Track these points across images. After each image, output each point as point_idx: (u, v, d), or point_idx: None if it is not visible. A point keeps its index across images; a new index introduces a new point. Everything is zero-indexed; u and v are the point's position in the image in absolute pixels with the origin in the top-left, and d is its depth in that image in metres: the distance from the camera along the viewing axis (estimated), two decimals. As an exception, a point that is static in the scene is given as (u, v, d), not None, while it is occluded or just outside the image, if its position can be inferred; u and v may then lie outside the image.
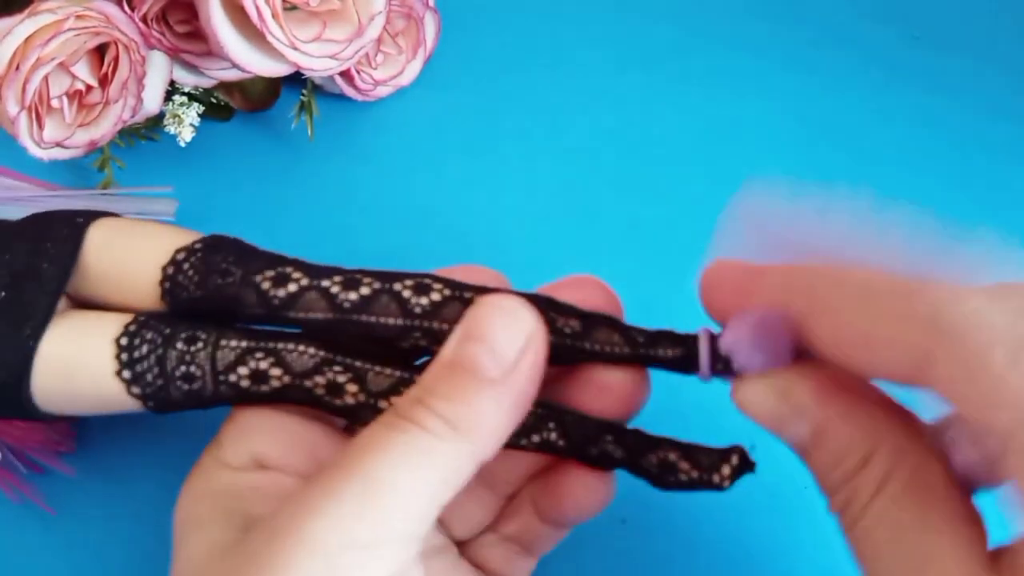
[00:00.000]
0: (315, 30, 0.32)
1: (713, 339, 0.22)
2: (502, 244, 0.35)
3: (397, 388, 0.22)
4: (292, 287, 0.23)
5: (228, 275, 0.23)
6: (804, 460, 0.21)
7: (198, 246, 0.24)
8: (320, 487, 0.19)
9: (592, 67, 0.40)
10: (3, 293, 0.23)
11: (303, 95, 0.37)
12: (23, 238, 0.24)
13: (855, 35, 0.42)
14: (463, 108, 0.39)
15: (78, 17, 0.29)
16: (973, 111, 0.40)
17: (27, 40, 0.29)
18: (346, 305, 0.23)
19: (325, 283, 0.23)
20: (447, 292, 0.22)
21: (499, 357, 0.20)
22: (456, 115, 0.38)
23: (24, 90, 0.28)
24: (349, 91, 0.37)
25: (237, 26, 0.31)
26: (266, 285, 0.23)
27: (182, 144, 0.35)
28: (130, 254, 0.24)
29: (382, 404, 0.22)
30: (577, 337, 0.22)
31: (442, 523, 0.24)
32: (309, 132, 0.37)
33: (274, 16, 0.30)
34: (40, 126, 0.30)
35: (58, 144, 0.31)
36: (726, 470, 0.22)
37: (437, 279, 0.23)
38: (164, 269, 0.23)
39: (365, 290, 0.23)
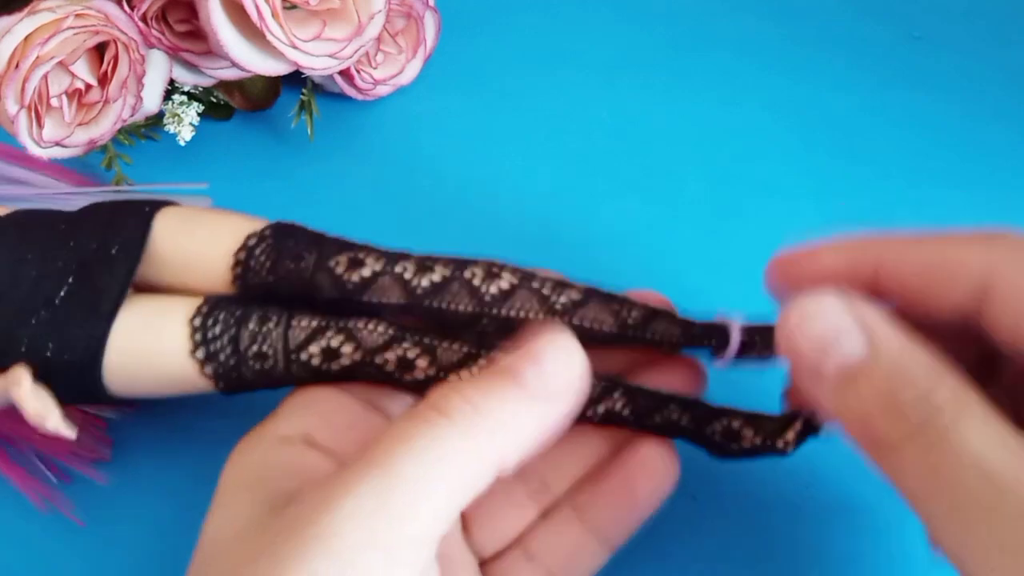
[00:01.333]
0: (315, 29, 0.32)
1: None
2: (502, 243, 0.35)
3: (467, 362, 0.22)
4: (366, 272, 0.23)
5: (301, 260, 0.24)
6: (838, 394, 0.19)
7: (267, 232, 0.24)
8: (342, 480, 0.18)
9: (592, 67, 0.40)
10: (71, 279, 0.23)
11: (303, 94, 0.36)
12: (89, 226, 0.24)
13: (855, 35, 0.42)
14: (463, 108, 0.39)
15: (77, 16, 0.29)
16: (973, 111, 0.40)
17: (27, 39, 0.29)
18: (419, 291, 0.23)
19: (398, 268, 0.23)
20: (515, 280, 0.23)
21: (545, 379, 0.20)
22: (456, 115, 0.38)
23: (23, 89, 0.28)
24: (349, 90, 0.37)
25: (237, 25, 0.31)
26: (340, 270, 0.23)
27: (182, 143, 0.35)
28: (200, 240, 0.24)
29: (452, 379, 0.22)
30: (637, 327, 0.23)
31: (469, 536, 0.24)
32: (309, 132, 0.37)
33: (274, 15, 0.30)
34: (40, 125, 0.30)
35: (58, 143, 0.31)
36: (790, 435, 0.22)
37: (506, 267, 0.23)
38: (236, 255, 0.24)
39: (437, 276, 0.23)
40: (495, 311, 0.23)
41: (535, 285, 0.23)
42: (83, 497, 0.29)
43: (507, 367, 0.20)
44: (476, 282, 0.23)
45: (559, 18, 0.42)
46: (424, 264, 0.23)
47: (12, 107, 0.29)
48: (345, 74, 0.36)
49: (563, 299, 0.23)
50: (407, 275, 0.23)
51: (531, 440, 0.20)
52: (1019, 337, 0.19)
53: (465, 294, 0.23)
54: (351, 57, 0.33)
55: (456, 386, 0.20)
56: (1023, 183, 0.38)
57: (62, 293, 0.23)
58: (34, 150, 0.30)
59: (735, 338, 0.23)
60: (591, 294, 0.23)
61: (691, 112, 0.39)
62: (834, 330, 0.19)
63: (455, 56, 0.39)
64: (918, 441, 0.18)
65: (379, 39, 0.36)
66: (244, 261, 0.24)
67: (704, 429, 0.23)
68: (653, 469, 0.23)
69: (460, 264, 0.23)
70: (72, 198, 0.31)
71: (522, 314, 0.23)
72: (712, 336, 0.23)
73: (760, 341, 0.23)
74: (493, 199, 0.36)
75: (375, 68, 0.37)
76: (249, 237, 0.24)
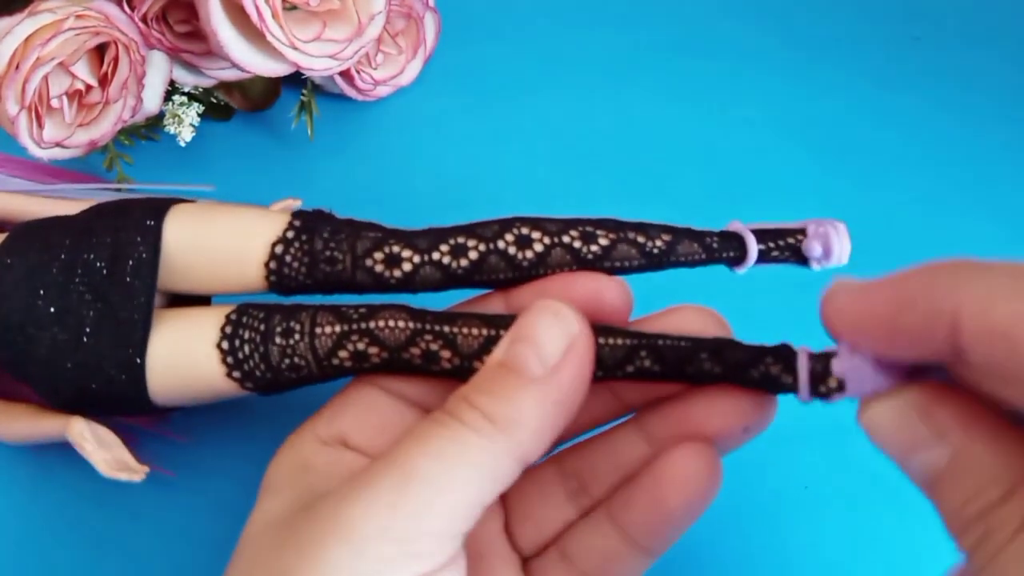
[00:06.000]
0: (315, 30, 0.32)
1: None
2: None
3: (487, 347, 0.23)
4: (406, 266, 0.24)
5: (336, 262, 0.24)
6: (929, 492, 0.18)
7: (290, 234, 0.24)
8: (364, 476, 0.19)
9: (591, 68, 0.40)
10: (91, 313, 0.23)
11: (303, 95, 0.37)
12: (94, 246, 0.24)
13: (855, 36, 0.42)
14: (463, 109, 0.39)
15: (78, 17, 0.29)
16: (973, 111, 0.40)
17: (27, 40, 0.29)
18: (460, 272, 0.24)
19: (435, 256, 0.24)
20: (547, 240, 0.24)
21: (543, 356, 0.20)
22: (456, 115, 0.38)
23: (24, 90, 0.28)
24: (349, 91, 0.37)
25: (237, 26, 0.31)
26: (379, 268, 0.24)
27: (182, 144, 0.35)
28: (224, 253, 0.24)
29: (476, 365, 0.23)
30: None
31: (510, 533, 0.24)
32: (309, 132, 0.37)
33: (274, 16, 0.30)
34: (40, 126, 0.30)
35: (58, 144, 0.31)
36: (832, 382, 0.21)
37: (536, 226, 0.24)
38: (267, 265, 0.24)
39: (473, 254, 0.24)
40: (533, 273, 0.24)
41: (565, 240, 0.24)
42: (170, 453, 0.29)
43: (505, 360, 0.20)
44: (511, 251, 0.24)
45: (559, 19, 0.42)
46: (458, 244, 0.24)
47: (12, 108, 0.29)
48: (345, 75, 0.36)
49: (593, 247, 0.24)
50: (445, 260, 0.24)
51: (550, 423, 0.20)
52: (996, 379, 0.17)
53: (503, 265, 0.24)
54: (351, 58, 0.33)
55: (465, 394, 0.20)
56: (1023, 182, 0.39)
57: (87, 329, 0.23)
58: (34, 151, 0.30)
59: (751, 247, 0.24)
60: (618, 234, 0.24)
61: (691, 113, 0.39)
62: (910, 441, 0.18)
63: (455, 57, 0.39)
64: (975, 557, 0.17)
65: (379, 40, 0.36)
66: (277, 270, 0.24)
67: (741, 376, 0.22)
68: (687, 480, 0.22)
69: (491, 236, 0.24)
70: (84, 194, 0.31)
71: (558, 271, 0.24)
72: (730, 246, 0.24)
73: (775, 245, 0.24)
74: (492, 199, 0.36)
75: (375, 69, 0.37)
76: (275, 245, 0.24)
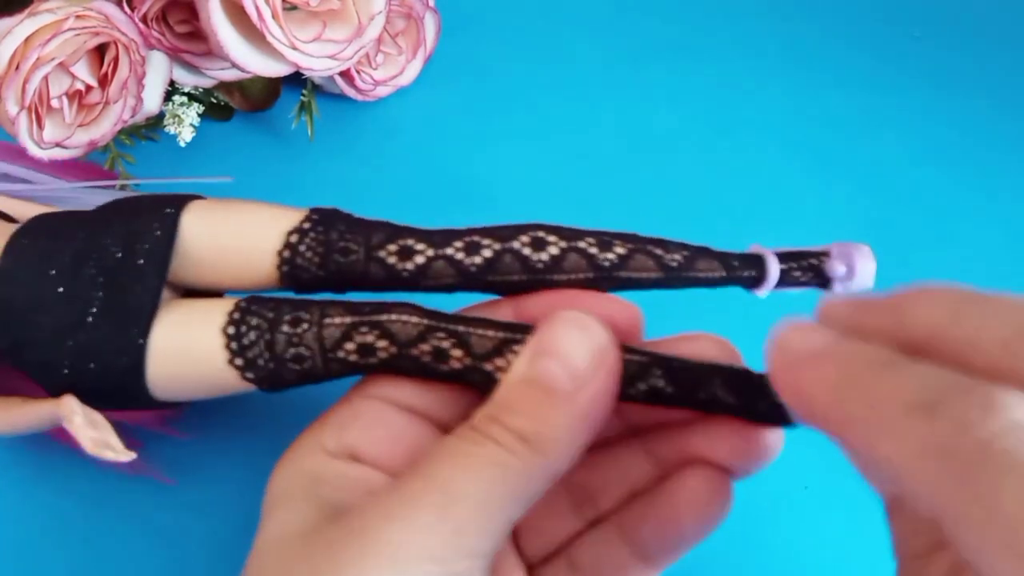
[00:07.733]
0: (315, 30, 0.32)
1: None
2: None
3: (500, 349, 0.22)
4: (419, 259, 0.24)
5: (349, 253, 0.24)
6: (890, 510, 0.19)
7: (306, 225, 0.24)
8: (400, 494, 0.19)
9: (592, 66, 0.40)
10: (100, 294, 0.23)
11: (303, 95, 0.37)
12: (111, 232, 0.24)
13: (856, 34, 0.42)
14: (463, 108, 0.39)
15: (78, 17, 0.29)
16: (973, 110, 0.40)
17: (27, 40, 0.29)
18: (472, 269, 0.23)
19: (449, 251, 0.24)
20: (563, 244, 0.23)
21: (572, 370, 0.20)
22: (456, 115, 0.38)
23: (24, 90, 0.28)
24: (349, 91, 0.37)
25: (237, 26, 0.31)
26: (392, 260, 0.24)
27: (182, 144, 0.35)
28: (239, 242, 0.24)
29: (487, 367, 0.22)
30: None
31: (517, 541, 0.24)
32: (309, 132, 0.37)
33: (274, 16, 0.30)
34: (40, 126, 0.30)
35: (58, 144, 0.31)
36: None
37: (551, 231, 0.24)
38: (280, 254, 0.24)
39: (487, 252, 0.23)
40: (547, 278, 0.23)
41: (581, 246, 0.23)
42: (172, 457, 0.29)
43: (533, 376, 0.20)
44: (526, 252, 0.23)
45: (558, 19, 0.42)
46: (472, 242, 0.24)
47: (13, 108, 0.29)
48: (345, 75, 0.36)
49: (610, 255, 0.23)
50: (458, 256, 0.24)
51: (581, 438, 0.20)
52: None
53: (517, 266, 0.23)
54: (351, 58, 0.33)
55: (494, 414, 0.20)
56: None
57: (94, 310, 0.23)
58: (34, 151, 0.30)
59: (772, 266, 0.23)
60: (636, 245, 0.23)
61: (691, 113, 0.39)
62: None
63: (455, 57, 0.39)
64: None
65: (379, 40, 0.36)
66: (290, 260, 0.24)
67: (753, 407, 0.21)
68: (701, 504, 0.22)
69: (506, 236, 0.24)
70: (86, 194, 0.31)
71: (573, 277, 0.23)
72: (751, 266, 0.23)
73: (796, 266, 0.23)
74: (492, 199, 0.36)
75: (375, 69, 0.37)
76: (290, 234, 0.24)
